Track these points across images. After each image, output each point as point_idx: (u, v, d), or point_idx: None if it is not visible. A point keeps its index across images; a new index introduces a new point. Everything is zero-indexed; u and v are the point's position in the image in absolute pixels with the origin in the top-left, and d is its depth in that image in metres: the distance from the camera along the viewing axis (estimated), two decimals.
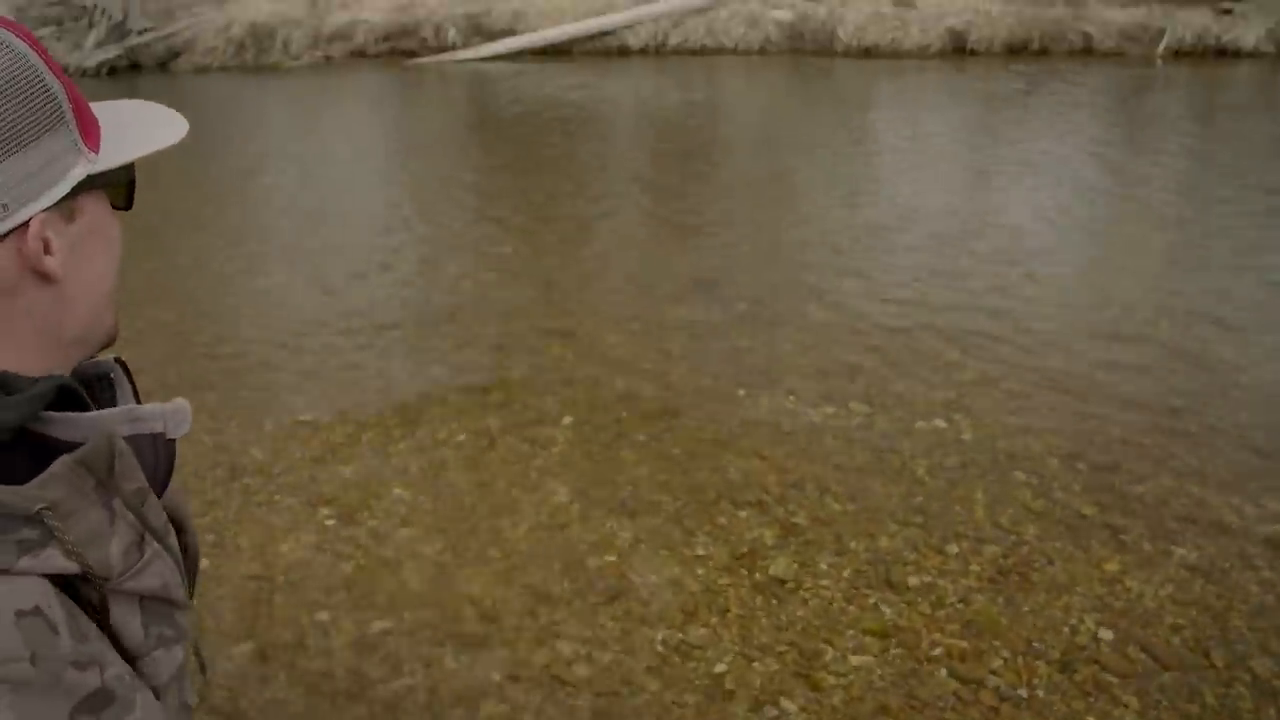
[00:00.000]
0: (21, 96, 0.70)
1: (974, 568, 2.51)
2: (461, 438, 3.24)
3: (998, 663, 2.20)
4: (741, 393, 3.50)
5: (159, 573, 0.77)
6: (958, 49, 12.84)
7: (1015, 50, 12.40)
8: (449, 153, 8.39)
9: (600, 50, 14.00)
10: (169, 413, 0.82)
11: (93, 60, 15.95)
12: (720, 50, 13.54)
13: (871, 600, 2.40)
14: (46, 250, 0.72)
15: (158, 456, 0.82)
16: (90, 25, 16.88)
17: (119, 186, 0.81)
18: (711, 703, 2.09)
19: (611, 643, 2.28)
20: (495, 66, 13.55)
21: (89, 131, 0.76)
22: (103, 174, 0.77)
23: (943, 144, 7.73)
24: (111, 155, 0.78)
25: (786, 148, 7.90)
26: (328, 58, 15.26)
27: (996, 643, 2.25)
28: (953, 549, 2.58)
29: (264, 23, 15.86)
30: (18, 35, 0.72)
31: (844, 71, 11.98)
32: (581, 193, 6.55)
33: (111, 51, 16.16)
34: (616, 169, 7.35)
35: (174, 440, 0.83)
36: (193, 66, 15.84)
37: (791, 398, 3.44)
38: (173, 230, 5.45)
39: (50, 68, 0.73)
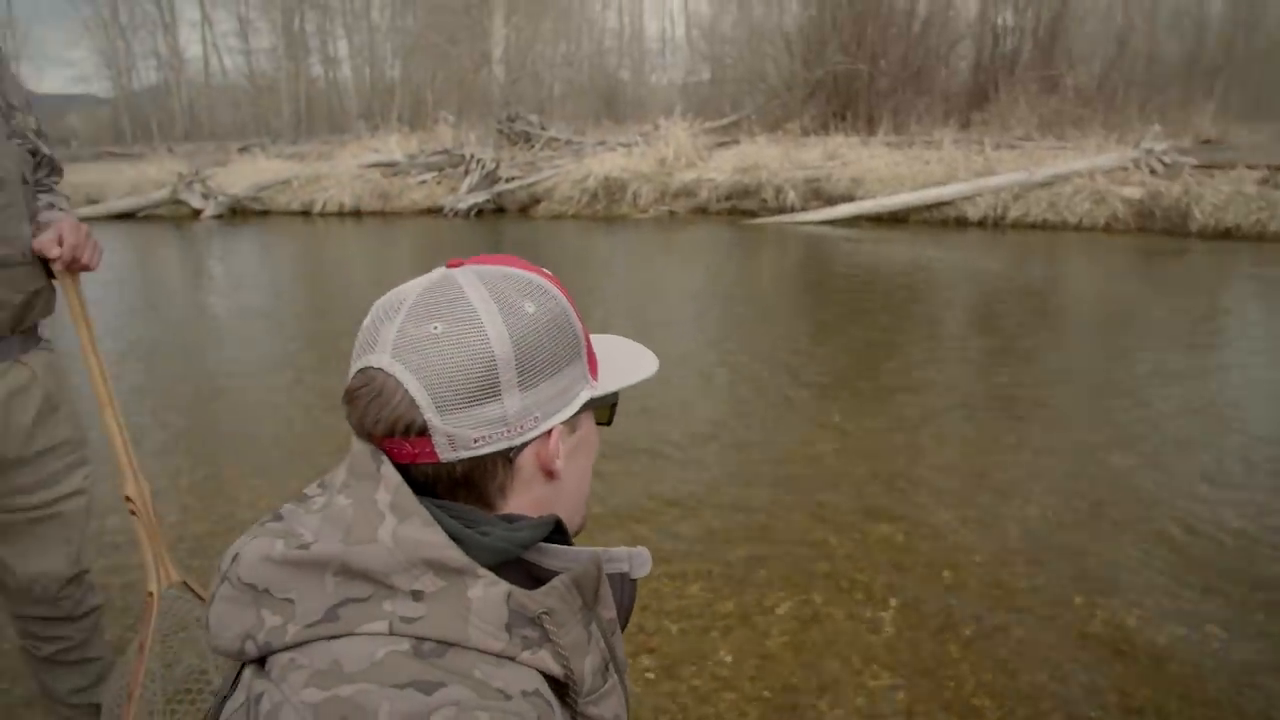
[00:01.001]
0: (560, 334, 0.90)
1: None
2: (787, 607, 3.28)
3: None
4: (1079, 601, 3.33)
5: (614, 705, 0.90)
6: None
7: None
8: (779, 310, 8.64)
9: (937, 220, 14.05)
10: (634, 555, 0.97)
11: (465, 203, 17.80)
12: (1062, 225, 13.21)
13: None
14: (558, 456, 0.91)
15: (623, 595, 0.97)
16: (466, 173, 18.89)
17: (604, 408, 0.99)
18: None
19: None
20: (831, 230, 13.88)
21: (592, 363, 0.96)
22: (598, 397, 0.95)
23: None
24: (606, 383, 0.97)
25: (1120, 334, 7.55)
26: (672, 212, 16.24)
27: None
28: None
29: (616, 177, 17.14)
30: (553, 283, 0.93)
31: (1198, 254, 11.34)
32: (910, 362, 6.54)
33: (482, 196, 17.95)
34: (945, 340, 7.29)
35: (635, 582, 0.99)
36: (550, 212, 17.30)
37: (1135, 611, 3.24)
38: None
39: (573, 308, 0.93)
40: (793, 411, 5.58)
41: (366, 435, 0.86)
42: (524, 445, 0.88)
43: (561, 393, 0.90)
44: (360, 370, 0.87)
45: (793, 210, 15.12)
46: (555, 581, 0.85)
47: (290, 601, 0.81)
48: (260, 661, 0.82)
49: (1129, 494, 4.24)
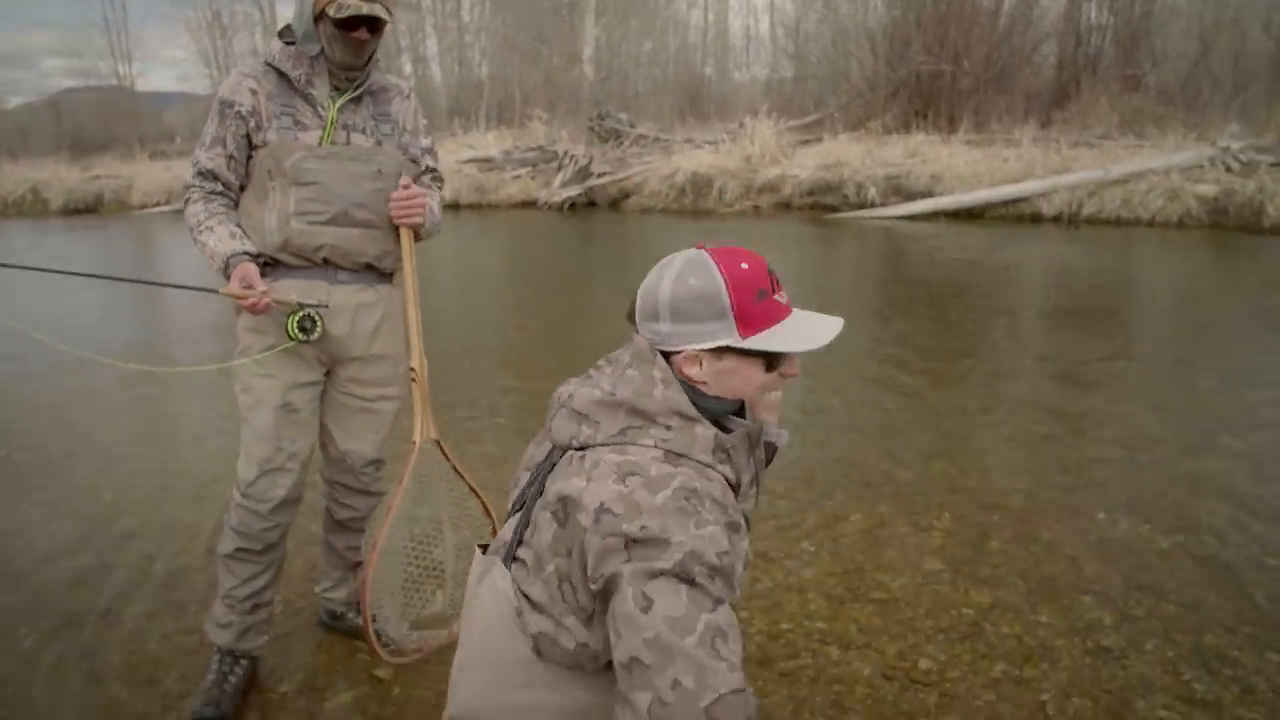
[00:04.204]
0: (704, 301, 1.55)
1: None
2: (858, 516, 4.05)
3: None
4: (1102, 517, 4.03)
5: (749, 507, 1.63)
6: None
7: None
8: (860, 298, 9.33)
9: (1012, 215, 14.50)
10: (779, 433, 1.66)
11: (559, 197, 18.68)
12: (1135, 222, 13.60)
13: (1187, 677, 2.90)
14: (699, 365, 1.57)
15: (768, 453, 1.67)
16: (559, 168, 19.80)
17: (758, 355, 1.59)
18: (1033, 718, 2.72)
19: (960, 665, 2.96)
20: (910, 225, 14.42)
21: (745, 324, 1.56)
22: (747, 350, 1.57)
23: None
24: (753, 342, 1.56)
25: (1195, 329, 8.11)
26: (756, 208, 16.92)
27: None
28: (1273, 656, 3.01)
29: (703, 173, 17.86)
30: (722, 267, 1.56)
31: (1271, 250, 11.73)
32: (982, 346, 7.22)
33: (574, 190, 18.78)
34: (1021, 327, 7.94)
35: (776, 448, 1.67)
36: (639, 206, 18.07)
37: (1146, 526, 3.94)
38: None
39: (732, 289, 1.54)
40: (870, 378, 6.31)
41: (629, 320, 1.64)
42: (670, 354, 1.57)
43: (697, 333, 1.55)
44: None
45: (873, 205, 15.71)
46: (738, 432, 1.56)
47: (598, 423, 1.55)
48: (580, 450, 1.55)
49: (1158, 439, 4.90)
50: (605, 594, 1.42)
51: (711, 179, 17.62)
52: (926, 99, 21.02)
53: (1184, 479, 4.44)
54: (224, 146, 2.64)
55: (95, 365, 6.52)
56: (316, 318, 2.64)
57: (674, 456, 1.49)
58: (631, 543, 1.38)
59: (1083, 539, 3.84)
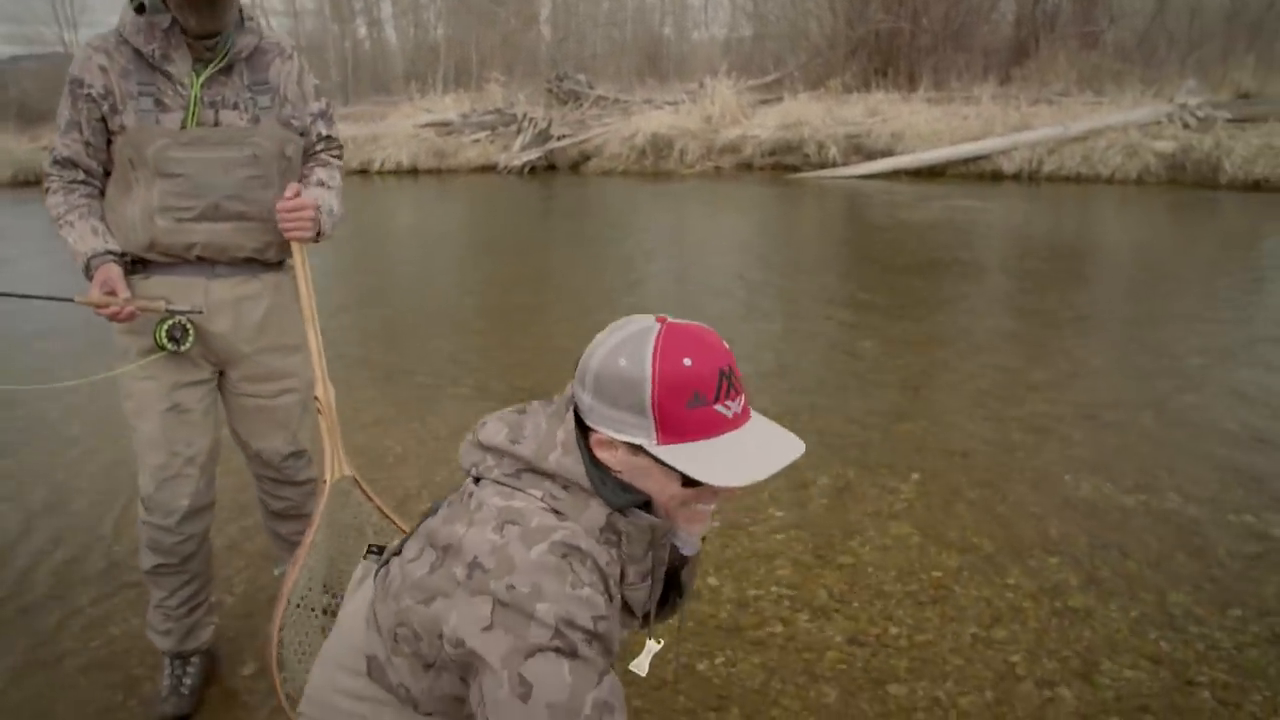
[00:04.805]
0: (626, 388, 1.36)
1: (1254, 629, 2.95)
2: (825, 480, 4.04)
3: (1259, 699, 2.66)
4: (1068, 478, 4.05)
5: (638, 596, 1.51)
6: None
7: None
8: (820, 256, 9.32)
9: (974, 173, 14.54)
10: (693, 543, 1.54)
11: (518, 160, 18.49)
12: (1095, 179, 13.68)
13: (1152, 636, 2.91)
14: (612, 451, 1.41)
15: (679, 561, 1.59)
16: (518, 131, 19.58)
17: (676, 472, 1.38)
18: (1002, 680, 2.72)
19: (930, 629, 2.96)
20: (871, 184, 14.44)
21: (666, 434, 1.36)
22: (656, 457, 1.37)
23: None
24: (671, 456, 1.36)
25: (1154, 285, 8.16)
26: (718, 168, 16.84)
27: (1260, 683, 2.71)
28: (1235, 612, 3.03)
29: (664, 134, 17.73)
30: (658, 356, 1.35)
31: (1229, 205, 11.84)
32: (945, 305, 7.23)
33: (534, 154, 18.61)
34: (983, 286, 7.97)
35: (690, 557, 1.59)
36: (600, 169, 17.94)
37: (1109, 485, 3.96)
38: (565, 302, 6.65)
39: (658, 386, 1.34)
40: (832, 340, 6.30)
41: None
42: (590, 428, 1.41)
43: (615, 420, 1.38)
44: None
45: (834, 165, 15.69)
46: (640, 522, 1.42)
47: (501, 459, 1.46)
48: (475, 480, 1.49)
49: (1120, 398, 4.93)
50: (466, 665, 1.34)
51: (672, 140, 17.50)
52: (886, 57, 20.96)
53: (1146, 437, 4.47)
54: (80, 131, 2.37)
55: None
56: (188, 325, 2.41)
57: (555, 515, 1.40)
58: (499, 605, 1.29)
59: (1049, 500, 3.85)
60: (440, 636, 1.36)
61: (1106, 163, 13.91)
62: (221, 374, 2.64)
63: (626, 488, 1.42)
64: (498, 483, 1.44)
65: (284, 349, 2.65)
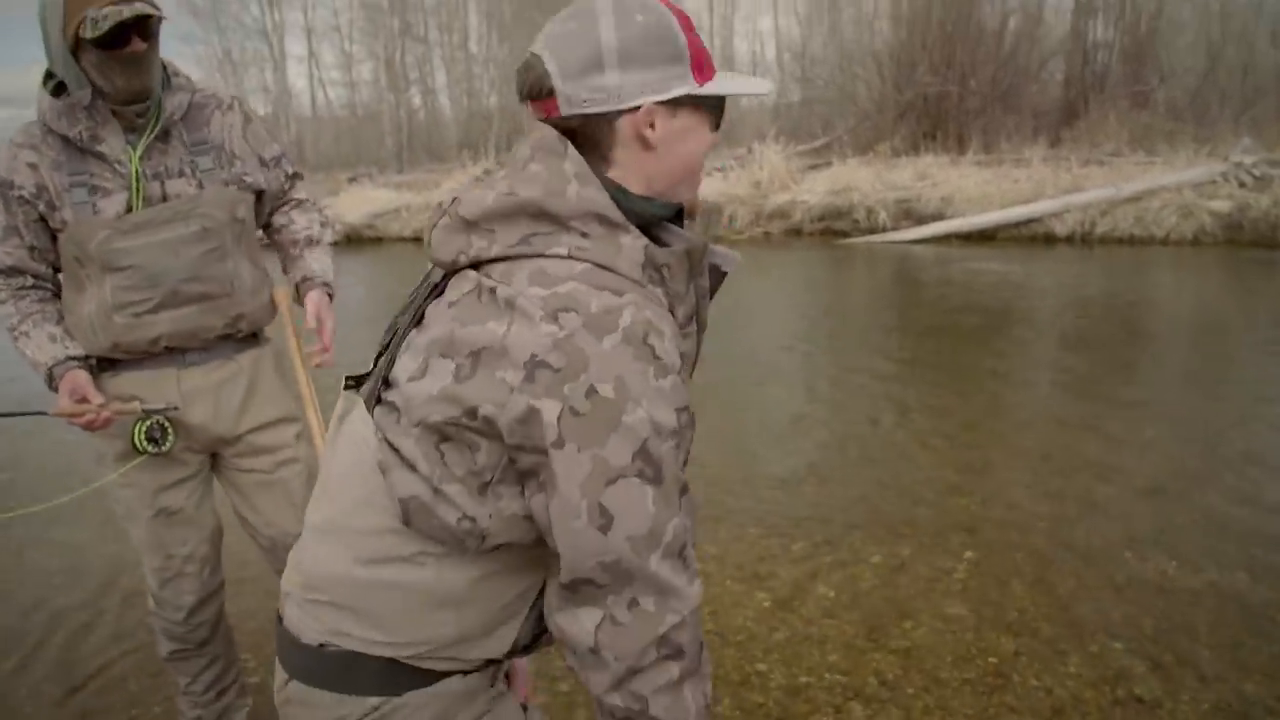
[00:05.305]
0: (658, 40, 1.19)
1: None
2: (877, 557, 3.95)
3: None
4: (1129, 556, 3.92)
5: (689, 346, 1.27)
6: None
7: None
8: (871, 325, 9.25)
9: (1025, 236, 14.39)
10: (727, 255, 1.32)
11: None
12: (1150, 240, 13.48)
13: None
14: (651, 127, 1.20)
15: (713, 280, 1.32)
16: None
17: (711, 110, 1.26)
18: None
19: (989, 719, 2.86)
20: (921, 248, 14.34)
21: (701, 73, 1.23)
22: (699, 97, 1.22)
23: None
24: (709, 88, 1.24)
25: (1214, 352, 7.99)
26: (767, 234, 16.84)
27: None
28: None
29: (713, 200, 17.77)
30: (668, 6, 1.21)
31: None
32: (997, 373, 7.12)
33: None
34: (1036, 352, 7.84)
35: (724, 275, 1.33)
36: None
37: (1174, 564, 3.82)
38: None
39: (685, 30, 1.21)
40: (881, 410, 6.21)
41: (524, 100, 1.22)
42: (620, 112, 1.19)
43: (655, 82, 1.19)
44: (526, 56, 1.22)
45: (884, 230, 15.63)
46: (675, 247, 1.22)
47: (492, 231, 1.18)
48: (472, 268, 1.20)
49: (1182, 470, 4.79)
50: (529, 475, 1.15)
51: (721, 206, 17.54)
52: (934, 120, 20.97)
53: (1210, 512, 4.33)
54: (19, 237, 2.22)
55: None
56: (166, 424, 2.28)
57: (599, 271, 1.16)
58: (571, 414, 1.09)
59: (1109, 579, 3.73)
60: (502, 444, 1.15)
61: (1161, 224, 13.69)
62: (213, 455, 2.51)
63: (647, 198, 1.25)
64: (504, 259, 1.18)
65: (276, 423, 2.51)
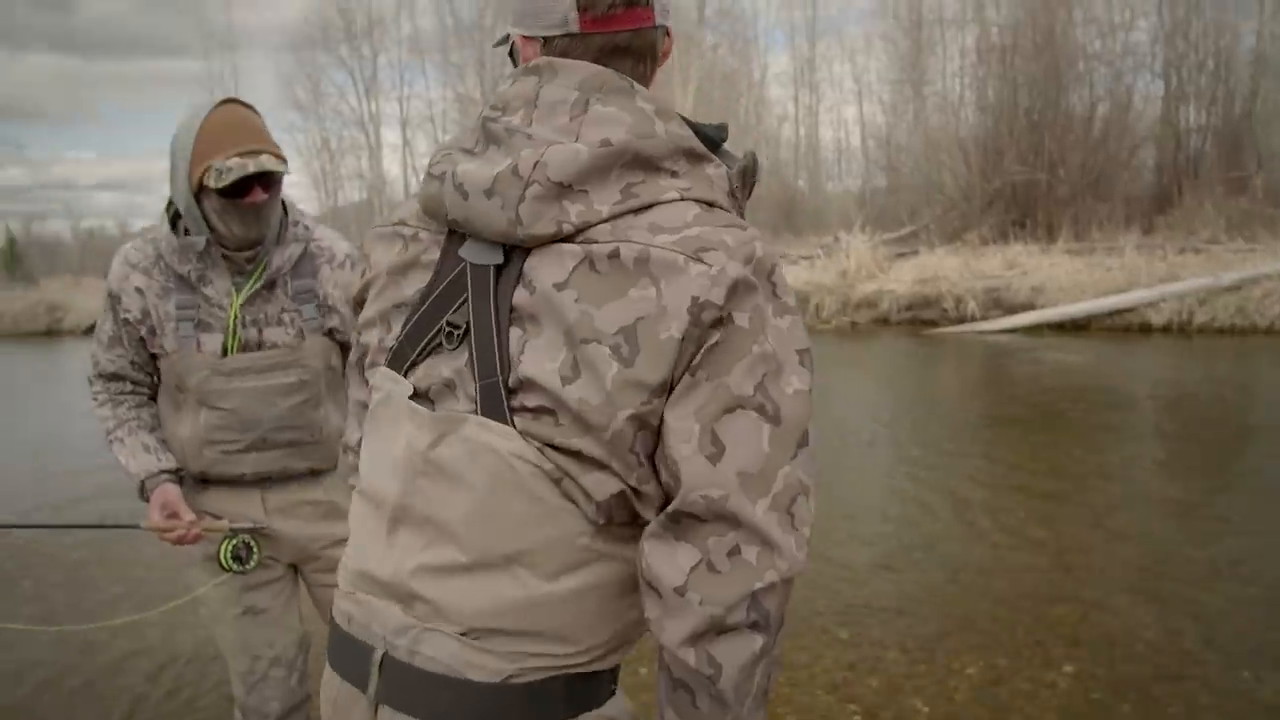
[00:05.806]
0: None
1: None
2: (972, 670, 3.81)
3: None
4: (1247, 675, 3.72)
5: None
6: None
7: None
8: (960, 420, 9.07)
9: (1120, 326, 14.10)
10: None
11: None
12: (1252, 330, 13.10)
13: None
14: (664, 56, 1.20)
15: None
16: None
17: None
18: None
19: None
20: (1011, 339, 14.13)
21: None
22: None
23: None
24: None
25: None
26: (854, 324, 16.76)
27: None
28: None
29: (800, 289, 17.77)
30: None
31: None
32: (1093, 470, 6.91)
33: None
34: (1133, 447, 7.60)
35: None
36: None
37: None
38: None
39: None
40: (973, 510, 6.05)
41: (610, 10, 1.14)
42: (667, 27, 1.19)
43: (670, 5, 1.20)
44: None
45: (973, 319, 15.44)
46: (734, 169, 1.18)
47: (585, 192, 1.07)
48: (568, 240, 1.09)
49: None
50: (643, 422, 1.08)
51: (808, 295, 17.55)
52: (1023, 208, 20.82)
53: None
54: (123, 347, 2.32)
55: None
56: (253, 544, 2.33)
57: (709, 209, 1.11)
58: (711, 348, 1.06)
59: (1226, 700, 3.53)
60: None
61: (1264, 313, 13.31)
62: (294, 565, 2.55)
63: (703, 124, 1.19)
64: (610, 219, 1.09)
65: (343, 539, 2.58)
